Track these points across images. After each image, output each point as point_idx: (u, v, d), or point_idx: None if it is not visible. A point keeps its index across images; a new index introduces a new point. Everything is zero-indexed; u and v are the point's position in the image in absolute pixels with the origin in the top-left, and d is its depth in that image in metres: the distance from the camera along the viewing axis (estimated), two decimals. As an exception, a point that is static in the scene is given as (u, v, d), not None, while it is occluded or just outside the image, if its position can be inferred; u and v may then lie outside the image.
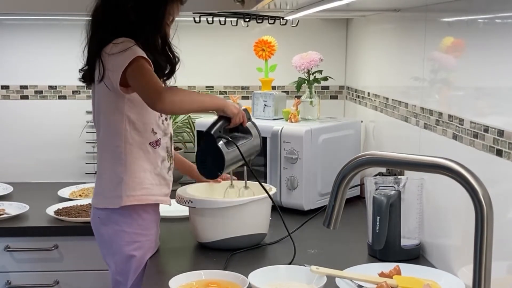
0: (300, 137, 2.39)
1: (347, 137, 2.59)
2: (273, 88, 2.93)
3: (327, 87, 3.11)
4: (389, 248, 1.90)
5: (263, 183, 2.02)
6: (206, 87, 3.06)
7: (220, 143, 1.89)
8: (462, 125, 1.69)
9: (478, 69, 1.62)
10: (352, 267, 1.76)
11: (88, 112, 2.98)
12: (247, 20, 2.88)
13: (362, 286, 1.65)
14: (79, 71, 1.94)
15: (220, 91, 3.06)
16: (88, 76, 1.91)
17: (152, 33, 1.89)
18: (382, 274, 1.68)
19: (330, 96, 3.16)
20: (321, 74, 2.71)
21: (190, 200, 2.00)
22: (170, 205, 2.00)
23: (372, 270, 1.73)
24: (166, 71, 1.95)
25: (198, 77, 3.01)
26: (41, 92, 3.07)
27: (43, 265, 2.46)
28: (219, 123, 1.91)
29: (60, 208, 2.55)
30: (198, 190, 2.13)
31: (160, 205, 1.99)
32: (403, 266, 1.72)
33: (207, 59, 3.05)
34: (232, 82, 3.06)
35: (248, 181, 2.10)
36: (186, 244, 2.09)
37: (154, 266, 1.91)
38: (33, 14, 2.92)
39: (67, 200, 2.70)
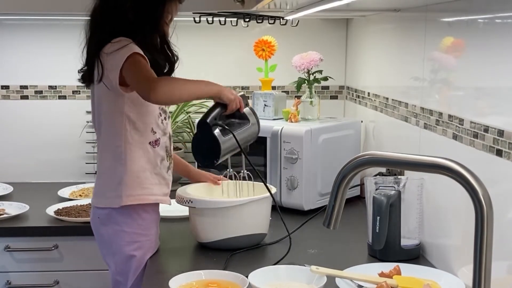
0: (300, 137, 2.39)
1: (347, 137, 2.59)
2: (273, 88, 2.93)
3: (327, 87, 3.11)
4: (389, 248, 1.90)
5: (262, 183, 2.02)
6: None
7: (216, 131, 1.87)
8: (462, 125, 1.69)
9: (478, 69, 1.62)
10: (352, 267, 1.76)
11: (88, 112, 2.98)
12: (247, 20, 2.88)
13: (362, 286, 1.65)
14: (78, 72, 1.94)
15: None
16: (87, 77, 1.91)
17: (150, 32, 1.89)
18: (382, 274, 1.68)
19: (330, 96, 3.16)
20: (321, 74, 2.71)
21: (190, 200, 2.00)
22: (170, 204, 2.00)
23: (372, 270, 1.73)
24: (165, 70, 1.95)
25: (198, 77, 2.99)
26: (41, 92, 3.07)
27: (43, 265, 2.46)
28: (215, 111, 1.88)
29: (60, 208, 2.55)
30: (198, 190, 2.13)
31: (160, 205, 1.99)
32: (403, 266, 1.72)
33: (207, 59, 3.05)
34: (232, 82, 3.06)
35: (248, 181, 2.10)
36: (186, 244, 2.09)
37: (154, 266, 1.91)
38: (33, 14, 2.92)
39: (67, 200, 2.70)
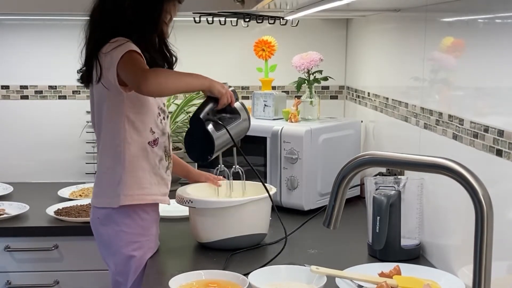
0: (300, 137, 2.39)
1: (347, 137, 2.59)
2: (273, 88, 2.93)
3: (327, 87, 3.11)
4: (389, 248, 1.90)
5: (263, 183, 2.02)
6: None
7: (210, 127, 1.86)
8: (462, 125, 1.69)
9: (478, 69, 1.62)
10: (352, 267, 1.76)
11: (88, 112, 2.98)
12: (247, 20, 2.88)
13: (362, 286, 1.65)
14: (77, 72, 1.94)
15: (220, 91, 3.06)
16: (85, 77, 1.91)
17: (149, 31, 1.89)
18: (382, 274, 1.68)
19: (330, 96, 3.16)
20: (321, 74, 2.71)
21: (190, 200, 2.00)
22: (169, 204, 1.99)
23: (372, 270, 1.72)
24: None
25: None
26: (41, 92, 3.07)
27: (43, 265, 2.46)
28: (207, 106, 1.87)
29: (60, 208, 2.55)
30: (198, 190, 2.12)
31: (160, 205, 1.99)
32: (403, 266, 1.72)
33: (207, 59, 3.05)
34: (232, 82, 3.05)
35: (247, 181, 2.09)
36: (186, 244, 2.09)
37: (154, 266, 1.91)
38: (33, 14, 2.92)
39: (67, 200, 2.70)
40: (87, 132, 3.03)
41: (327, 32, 3.11)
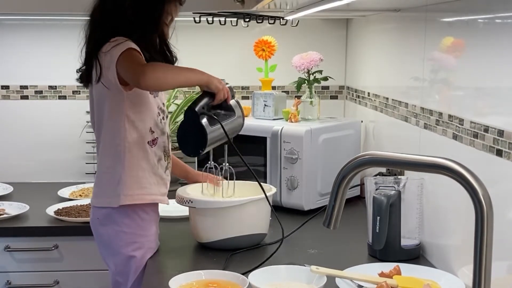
0: (300, 137, 2.39)
1: (347, 137, 2.59)
2: (273, 88, 2.93)
3: (327, 87, 3.11)
4: (389, 248, 1.90)
5: (262, 183, 2.01)
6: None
7: (204, 120, 1.85)
8: (462, 125, 1.69)
9: (478, 69, 1.62)
10: (352, 267, 1.76)
11: (88, 112, 2.98)
12: (247, 20, 2.88)
13: (362, 286, 1.65)
14: (77, 72, 1.94)
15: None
16: (85, 77, 1.91)
17: (150, 31, 1.89)
18: (382, 274, 1.68)
19: (330, 96, 3.16)
20: (321, 74, 2.71)
21: (190, 200, 2.00)
22: (168, 204, 1.99)
23: (372, 270, 1.73)
24: None
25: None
26: (41, 92, 3.07)
27: (43, 265, 2.46)
28: (203, 100, 1.87)
29: (60, 208, 2.55)
30: (198, 190, 2.12)
31: (160, 205, 1.99)
32: (403, 266, 1.72)
33: (207, 59, 3.05)
34: (232, 82, 3.05)
35: (246, 181, 2.09)
36: (186, 244, 2.09)
37: (154, 266, 1.91)
38: (33, 14, 2.92)
39: (67, 200, 2.70)
40: (87, 132, 3.03)
41: (327, 32, 3.11)
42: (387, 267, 1.72)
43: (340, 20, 3.09)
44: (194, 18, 2.82)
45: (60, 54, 3.00)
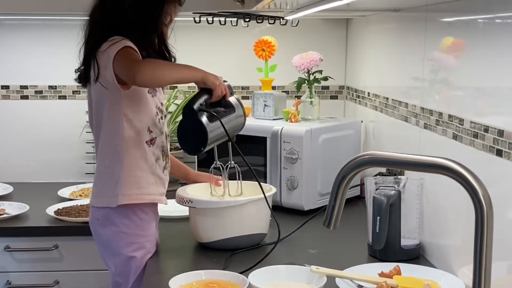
0: (300, 137, 2.39)
1: (347, 137, 2.59)
2: (273, 88, 2.93)
3: (327, 87, 3.11)
4: (389, 248, 1.90)
5: (262, 183, 2.01)
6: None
7: (203, 117, 1.83)
8: (462, 125, 1.69)
9: (478, 69, 1.62)
10: (352, 267, 1.76)
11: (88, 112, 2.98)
12: (247, 20, 2.88)
13: (362, 286, 1.65)
14: (75, 72, 1.94)
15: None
16: (83, 77, 1.91)
17: (149, 32, 1.89)
18: (382, 274, 1.68)
19: (330, 96, 3.16)
20: (321, 74, 2.71)
21: (190, 200, 2.00)
22: (166, 204, 1.99)
23: (372, 270, 1.73)
24: None
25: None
26: (41, 92, 3.07)
27: (43, 265, 2.46)
28: (201, 97, 1.85)
29: (60, 208, 2.55)
30: (198, 190, 2.12)
31: (159, 205, 1.99)
32: (403, 266, 1.72)
33: (207, 59, 3.04)
34: (232, 82, 3.05)
35: (247, 181, 2.09)
36: (186, 244, 2.09)
37: (154, 266, 1.91)
38: (33, 14, 2.93)
39: (67, 200, 2.70)
40: (87, 132, 3.03)
41: (327, 32, 3.11)
42: (387, 267, 1.72)
43: (340, 20, 3.09)
44: (194, 18, 2.82)
45: (60, 54, 3.00)
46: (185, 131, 1.87)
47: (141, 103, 1.87)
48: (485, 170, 1.42)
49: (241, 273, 1.72)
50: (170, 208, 2.18)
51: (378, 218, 1.87)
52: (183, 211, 2.26)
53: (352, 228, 2.17)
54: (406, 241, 1.94)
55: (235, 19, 2.89)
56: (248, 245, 2.01)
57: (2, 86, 3.04)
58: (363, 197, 2.46)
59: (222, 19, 2.86)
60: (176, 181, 2.79)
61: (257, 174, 2.03)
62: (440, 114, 1.84)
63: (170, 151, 2.07)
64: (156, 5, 1.88)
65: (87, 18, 1.91)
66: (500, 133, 1.48)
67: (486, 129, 1.55)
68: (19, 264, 2.45)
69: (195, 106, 1.83)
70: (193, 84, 1.89)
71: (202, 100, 1.85)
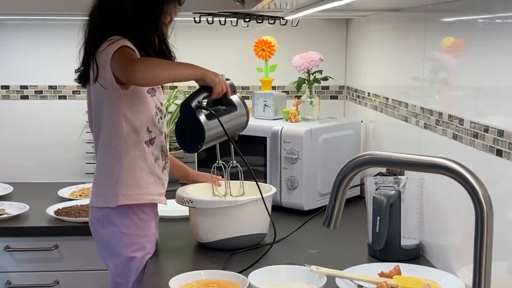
0: (300, 137, 2.39)
1: (347, 137, 2.59)
2: (273, 88, 2.93)
3: (327, 87, 3.11)
4: (389, 248, 1.90)
5: (262, 183, 2.01)
6: (206, 87, 3.06)
7: (200, 115, 1.80)
8: (462, 125, 1.69)
9: (478, 69, 1.62)
10: (352, 267, 1.76)
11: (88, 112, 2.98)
12: (247, 20, 2.88)
13: (362, 286, 1.65)
14: (75, 72, 1.94)
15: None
16: (83, 77, 1.90)
17: (149, 31, 1.89)
18: (382, 274, 1.68)
19: (330, 96, 3.16)
20: (321, 74, 2.71)
21: (190, 200, 2.00)
22: (165, 204, 1.99)
23: (372, 270, 1.72)
24: None
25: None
26: (41, 92, 3.07)
27: (43, 265, 2.46)
28: (200, 94, 1.83)
29: (60, 208, 2.55)
30: (198, 190, 2.12)
31: (159, 205, 1.99)
32: (403, 266, 1.72)
33: (207, 59, 3.03)
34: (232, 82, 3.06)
35: (247, 181, 2.09)
36: (186, 244, 2.09)
37: (154, 266, 1.91)
38: (33, 14, 2.93)
39: (67, 200, 2.70)
40: (87, 132, 3.03)
41: (327, 32, 3.11)
42: (387, 267, 1.72)
43: (340, 20, 3.09)
44: (194, 18, 2.82)
45: (60, 54, 3.00)
46: (183, 129, 1.85)
47: (140, 103, 1.87)
48: (485, 170, 1.42)
49: (241, 273, 1.72)
50: (170, 208, 2.18)
51: (378, 218, 1.87)
52: (183, 211, 2.26)
53: (352, 228, 2.17)
54: (406, 241, 1.94)
55: (235, 19, 2.89)
56: (248, 245, 2.01)
57: (2, 86, 3.04)
58: (363, 197, 2.46)
59: (222, 19, 2.86)
60: (176, 181, 2.79)
61: (257, 174, 2.04)
62: (440, 114, 1.84)
63: (170, 151, 2.07)
64: (156, 5, 1.88)
65: (87, 18, 1.90)
66: (500, 133, 1.48)
67: (486, 129, 1.55)
68: (19, 264, 2.45)
69: (193, 104, 1.81)
70: (193, 84, 1.88)
71: (201, 97, 1.83)
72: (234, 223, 1.99)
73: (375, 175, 2.13)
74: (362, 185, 2.60)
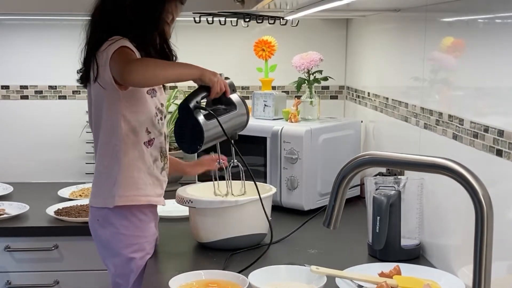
0: (300, 137, 2.39)
1: (347, 137, 2.59)
2: (273, 88, 2.93)
3: (327, 87, 3.11)
4: (389, 248, 1.90)
5: (262, 183, 2.01)
6: (206, 87, 3.06)
7: (198, 115, 1.80)
8: (462, 125, 1.69)
9: (478, 69, 1.62)
10: (352, 267, 1.76)
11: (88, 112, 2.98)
12: (247, 20, 2.88)
13: (362, 286, 1.65)
14: (77, 72, 1.94)
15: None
16: (85, 77, 1.90)
17: (149, 31, 1.88)
18: (382, 274, 1.68)
19: (330, 96, 3.16)
20: (321, 74, 2.71)
21: (190, 200, 2.00)
22: (164, 205, 1.98)
23: (372, 270, 1.73)
24: None
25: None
26: (41, 92, 3.07)
27: (43, 265, 2.46)
28: (198, 94, 1.82)
29: (60, 208, 2.55)
30: (198, 190, 2.12)
31: (158, 205, 1.99)
32: (403, 266, 1.72)
33: (207, 59, 3.03)
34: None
35: (247, 181, 2.09)
36: (186, 244, 2.09)
37: (154, 267, 1.91)
38: (33, 14, 2.92)
39: (67, 200, 2.70)
40: (87, 132, 3.03)
41: (327, 32, 3.11)
42: (387, 267, 1.72)
43: (340, 20, 3.09)
44: (194, 18, 2.82)
45: (60, 54, 3.00)
46: (182, 129, 1.84)
47: (139, 103, 1.86)
48: (485, 170, 1.42)
49: (241, 273, 1.72)
50: (170, 208, 2.18)
51: (378, 218, 1.87)
52: (183, 211, 2.26)
53: (352, 228, 2.17)
54: (406, 241, 1.94)
55: (235, 19, 2.89)
56: (248, 245, 2.01)
57: (2, 86, 3.04)
58: (363, 197, 2.46)
59: (222, 19, 2.86)
60: (176, 181, 2.79)
61: (257, 174, 2.04)
62: (440, 114, 1.84)
63: (170, 151, 2.07)
64: (157, 4, 1.88)
65: (89, 18, 1.90)
66: (500, 133, 1.48)
67: (486, 129, 1.55)
68: (19, 264, 2.45)
69: (191, 104, 1.80)
70: (193, 84, 1.88)
71: (199, 97, 1.82)
72: (234, 223, 1.99)
73: (375, 175, 2.13)
74: (362, 185, 2.60)
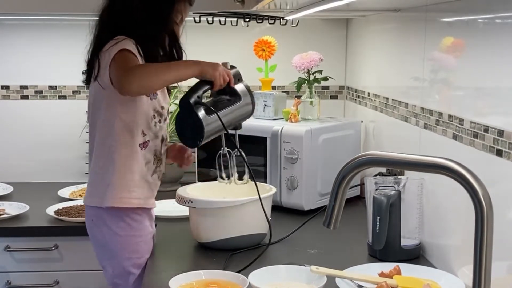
0: (300, 137, 2.39)
1: (347, 137, 2.59)
2: (273, 88, 2.93)
3: (327, 87, 3.11)
4: (389, 248, 1.90)
5: (262, 183, 2.01)
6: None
7: (199, 110, 1.79)
8: (462, 125, 1.69)
9: (478, 69, 1.62)
10: (352, 267, 1.76)
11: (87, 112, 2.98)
12: (247, 20, 2.88)
13: (362, 286, 1.65)
14: (83, 73, 1.93)
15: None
16: (89, 77, 1.90)
17: (157, 31, 1.87)
18: (382, 274, 1.68)
19: (330, 96, 3.16)
20: (321, 74, 2.71)
21: (190, 200, 2.00)
22: (154, 207, 1.97)
23: (372, 270, 1.72)
24: None
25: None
26: (41, 92, 3.07)
27: (43, 265, 2.46)
28: (200, 89, 1.81)
29: (60, 208, 2.55)
30: (198, 190, 2.12)
31: (159, 205, 1.99)
32: (403, 266, 1.72)
33: (207, 59, 3.02)
34: (232, 82, 3.06)
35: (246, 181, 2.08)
36: (186, 244, 2.09)
37: (154, 266, 1.91)
38: (33, 14, 2.92)
39: (67, 200, 2.70)
40: (87, 132, 3.00)
41: (327, 32, 3.11)
42: (387, 267, 1.72)
43: (340, 20, 3.09)
44: (194, 18, 2.81)
45: (60, 54, 3.00)
46: (183, 124, 1.84)
47: (136, 105, 1.85)
48: (485, 170, 1.42)
49: (240, 272, 1.72)
50: (170, 208, 2.18)
51: (378, 218, 1.87)
52: (183, 211, 2.26)
53: (352, 228, 2.17)
54: (406, 241, 1.94)
55: (235, 19, 2.89)
56: (248, 245, 2.01)
57: (2, 86, 3.04)
58: (363, 197, 2.46)
59: (222, 19, 2.86)
60: (176, 181, 2.79)
61: (257, 174, 2.03)
62: (440, 114, 1.84)
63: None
64: (165, 5, 1.87)
65: (97, 19, 1.89)
66: (500, 133, 1.48)
67: (486, 129, 1.55)
68: (19, 264, 2.45)
69: (192, 100, 1.79)
70: (193, 83, 1.88)
71: (201, 92, 1.82)
72: (234, 223, 1.99)
73: (375, 175, 2.13)
74: (362, 185, 2.60)
